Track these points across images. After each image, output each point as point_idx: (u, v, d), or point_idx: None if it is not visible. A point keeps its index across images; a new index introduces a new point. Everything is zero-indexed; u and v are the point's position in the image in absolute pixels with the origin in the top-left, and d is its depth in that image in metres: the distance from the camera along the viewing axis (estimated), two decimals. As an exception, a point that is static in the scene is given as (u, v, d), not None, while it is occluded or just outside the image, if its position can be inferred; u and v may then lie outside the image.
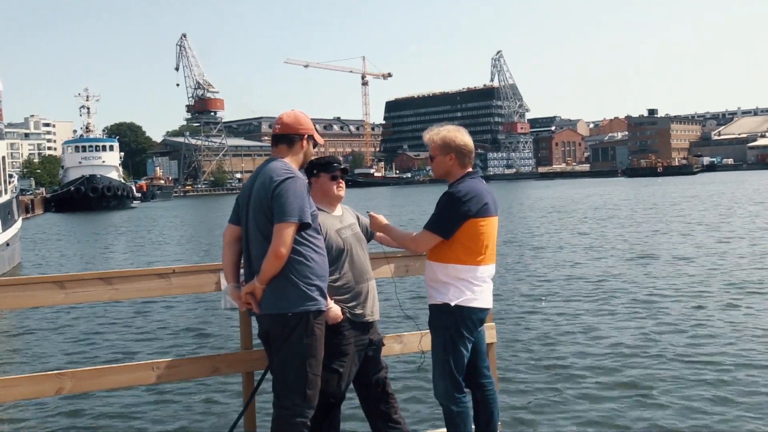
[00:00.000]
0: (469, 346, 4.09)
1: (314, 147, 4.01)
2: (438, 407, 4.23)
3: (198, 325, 11.17)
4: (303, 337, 3.67)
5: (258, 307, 3.75)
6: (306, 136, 3.92)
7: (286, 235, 3.61)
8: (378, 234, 4.52)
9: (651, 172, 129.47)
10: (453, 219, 3.98)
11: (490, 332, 4.52)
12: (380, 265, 4.51)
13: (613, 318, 10.56)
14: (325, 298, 3.80)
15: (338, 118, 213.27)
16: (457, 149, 4.11)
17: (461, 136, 4.15)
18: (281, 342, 3.72)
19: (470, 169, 4.16)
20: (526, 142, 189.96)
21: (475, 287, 4.03)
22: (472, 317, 4.04)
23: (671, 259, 16.90)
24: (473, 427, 4.25)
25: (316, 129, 4.07)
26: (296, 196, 3.63)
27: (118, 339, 10.31)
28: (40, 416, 6.81)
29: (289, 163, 3.80)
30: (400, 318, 9.41)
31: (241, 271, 3.92)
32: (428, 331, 4.29)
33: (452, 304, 4.00)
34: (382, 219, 4.38)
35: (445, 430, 4.18)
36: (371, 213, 4.42)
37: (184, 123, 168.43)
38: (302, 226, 3.68)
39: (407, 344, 4.64)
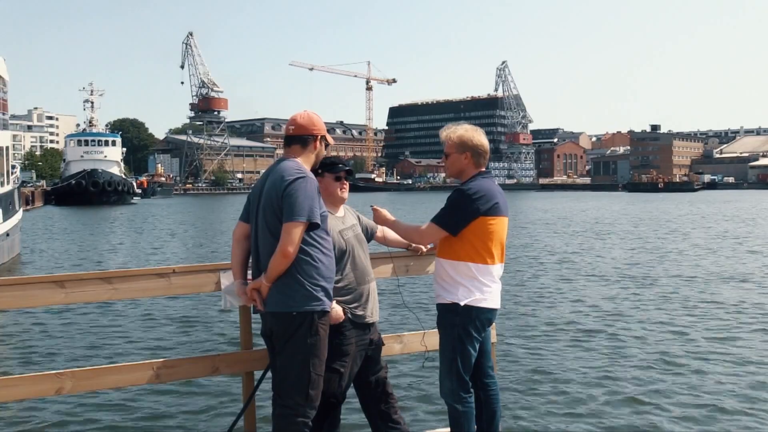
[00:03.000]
0: (477, 345, 4.09)
1: (326, 148, 4.02)
2: (437, 407, 4.25)
3: (198, 325, 11.16)
4: (307, 336, 3.68)
5: (262, 305, 3.77)
6: (319, 137, 3.93)
7: (294, 234, 3.62)
8: (377, 234, 4.52)
9: (652, 187, 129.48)
10: (461, 215, 3.98)
11: (491, 332, 4.52)
12: (381, 264, 4.51)
13: (614, 318, 10.63)
14: (330, 299, 3.81)
15: (341, 122, 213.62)
16: (474, 149, 4.13)
17: (478, 136, 4.17)
18: (285, 341, 3.73)
19: (483, 169, 4.17)
20: (528, 153, 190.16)
21: (485, 287, 4.03)
22: (481, 317, 4.04)
23: (673, 264, 16.94)
24: (475, 426, 4.25)
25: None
26: (306, 196, 3.64)
27: (118, 339, 10.28)
28: (40, 416, 6.78)
29: (301, 164, 3.81)
30: (401, 318, 9.44)
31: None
32: (431, 330, 4.29)
33: (461, 303, 3.99)
34: (386, 213, 4.38)
35: (444, 430, 4.17)
36: (374, 206, 4.41)
37: (188, 121, 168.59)
38: (311, 227, 3.69)
39: (408, 344, 4.65)
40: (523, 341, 9.46)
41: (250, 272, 3.93)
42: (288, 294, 3.69)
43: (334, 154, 4.42)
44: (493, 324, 4.59)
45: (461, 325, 4.01)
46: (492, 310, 4.11)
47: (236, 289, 3.92)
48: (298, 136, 3.90)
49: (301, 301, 3.68)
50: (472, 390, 4.13)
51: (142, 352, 9.33)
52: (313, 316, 3.70)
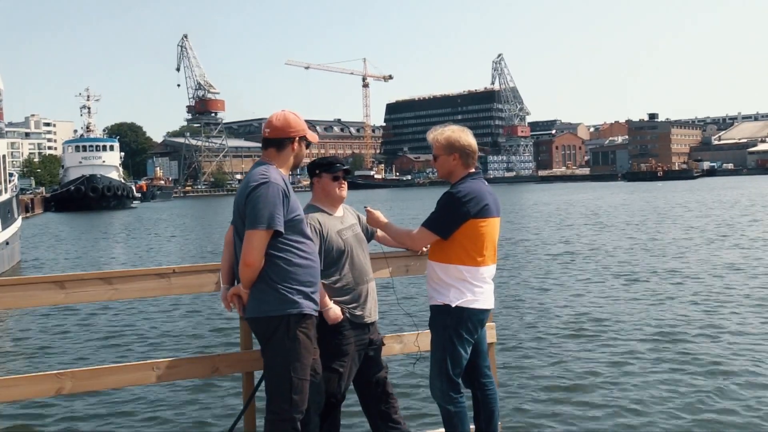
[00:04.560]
0: (469, 347, 4.09)
1: (307, 147, 3.94)
2: (437, 407, 4.24)
3: (198, 325, 11.16)
4: (285, 341, 3.64)
5: (242, 310, 3.76)
6: (296, 138, 3.83)
7: (253, 242, 3.57)
8: (378, 234, 4.51)
9: (651, 176, 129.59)
10: (452, 219, 3.99)
11: (490, 332, 4.52)
12: (380, 265, 4.51)
13: (615, 318, 10.60)
14: (313, 302, 3.75)
15: (339, 120, 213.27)
16: (462, 149, 4.12)
17: (465, 136, 4.16)
18: (265, 345, 3.72)
19: (473, 170, 4.17)
20: (527, 146, 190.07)
21: (476, 288, 4.03)
22: (473, 318, 4.05)
23: (673, 260, 16.92)
24: (472, 426, 4.26)
25: (315, 128, 4.03)
26: (267, 204, 3.57)
27: (118, 339, 10.29)
28: (40, 416, 6.79)
29: (271, 168, 3.72)
30: (400, 318, 9.43)
31: None
32: (426, 330, 4.30)
33: (453, 305, 4.00)
34: (380, 215, 4.37)
35: (444, 430, 4.19)
36: (368, 208, 4.39)
37: (185, 124, 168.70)
38: (276, 233, 3.62)
39: (407, 344, 4.65)
40: (522, 341, 9.41)
41: None
42: (262, 299, 3.66)
43: (332, 152, 4.41)
44: (493, 324, 4.60)
45: (452, 326, 4.02)
46: (484, 311, 4.11)
47: (221, 294, 3.91)
48: (273, 139, 3.81)
49: (275, 305, 3.64)
50: (463, 390, 4.13)
51: (142, 352, 9.34)
52: (289, 320, 3.65)
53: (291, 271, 3.66)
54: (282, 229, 3.62)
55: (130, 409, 6.96)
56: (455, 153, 4.12)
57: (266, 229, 3.58)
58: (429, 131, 4.26)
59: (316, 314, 3.82)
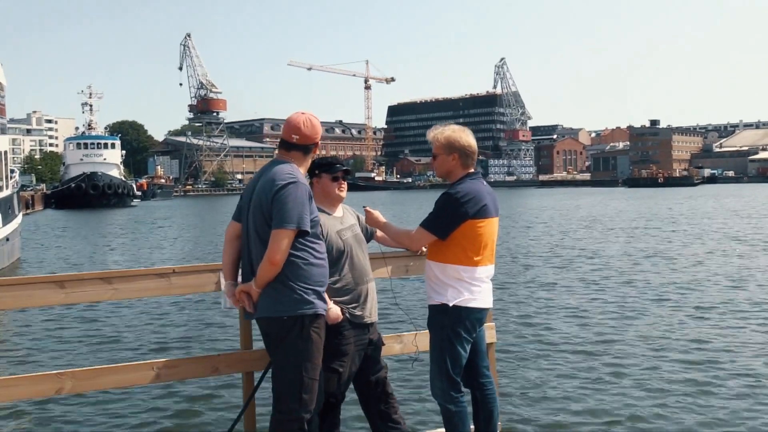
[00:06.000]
0: (468, 346, 4.10)
1: None
2: (437, 407, 4.25)
3: (198, 325, 11.17)
4: (298, 340, 3.66)
5: (252, 308, 3.75)
6: (318, 141, 3.90)
7: (282, 242, 3.58)
8: (377, 234, 4.52)
9: (652, 182, 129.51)
10: (450, 219, 3.99)
11: (489, 332, 4.54)
12: (379, 265, 4.52)
13: (615, 318, 10.64)
14: (324, 303, 3.78)
15: (340, 122, 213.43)
16: (461, 149, 4.12)
17: (465, 136, 4.15)
18: (277, 345, 3.72)
19: (472, 170, 4.17)
20: (528, 150, 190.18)
21: (474, 288, 4.04)
22: (471, 318, 4.05)
23: (671, 260, 16.92)
24: (472, 426, 4.26)
25: None
26: (296, 203, 3.59)
27: (118, 339, 10.30)
28: (40, 416, 6.79)
29: (295, 168, 3.76)
30: (400, 318, 9.45)
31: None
32: (425, 330, 4.31)
33: (450, 304, 4.01)
34: (379, 215, 4.37)
35: (444, 430, 4.19)
36: (367, 208, 4.39)
37: (186, 123, 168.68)
38: (301, 233, 3.64)
39: (407, 344, 4.66)
40: (522, 341, 9.44)
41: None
42: (277, 299, 3.66)
43: (333, 153, 4.41)
44: (492, 324, 4.61)
45: (450, 326, 4.02)
46: (482, 310, 4.12)
47: (225, 290, 3.91)
48: (302, 145, 3.84)
49: (291, 305, 3.65)
50: (464, 390, 4.14)
51: (142, 352, 9.34)
52: (304, 320, 3.66)
53: (307, 270, 3.68)
54: (308, 230, 3.65)
55: (129, 409, 6.96)
56: (455, 153, 4.12)
57: (294, 229, 3.60)
58: (429, 130, 4.25)
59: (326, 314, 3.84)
